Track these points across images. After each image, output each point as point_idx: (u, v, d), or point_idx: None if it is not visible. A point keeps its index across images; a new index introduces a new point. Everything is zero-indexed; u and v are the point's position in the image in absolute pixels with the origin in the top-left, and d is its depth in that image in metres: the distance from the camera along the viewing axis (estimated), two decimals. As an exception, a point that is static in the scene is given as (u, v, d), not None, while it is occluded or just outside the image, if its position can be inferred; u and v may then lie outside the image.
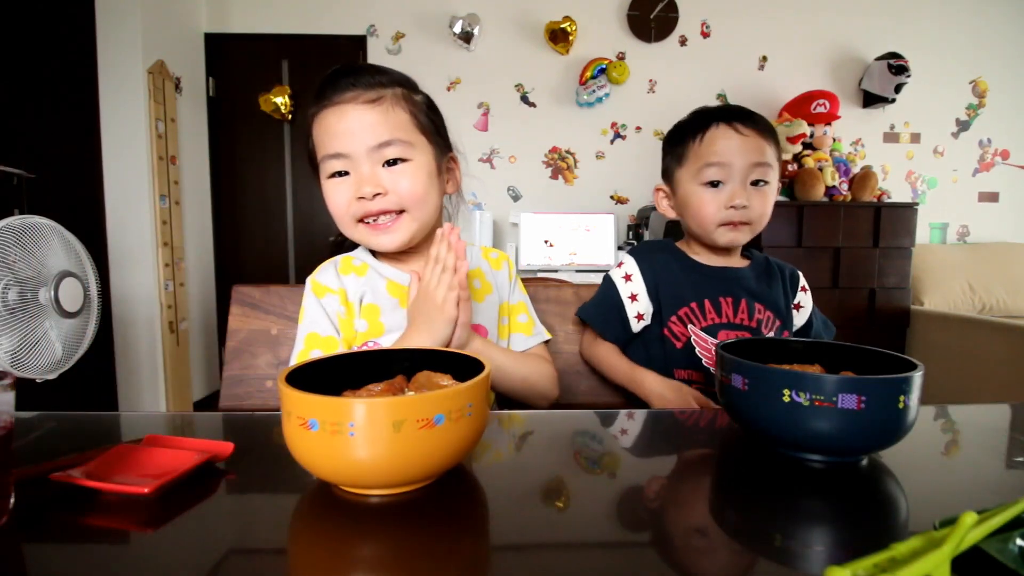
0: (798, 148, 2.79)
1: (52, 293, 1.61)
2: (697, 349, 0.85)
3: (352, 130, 0.69)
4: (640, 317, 0.89)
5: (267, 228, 3.17)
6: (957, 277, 2.89)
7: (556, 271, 2.80)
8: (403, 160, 0.71)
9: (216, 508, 0.38)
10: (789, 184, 2.74)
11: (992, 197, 3.28)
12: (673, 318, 0.87)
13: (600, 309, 0.91)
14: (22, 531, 0.34)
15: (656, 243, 0.97)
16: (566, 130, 3.17)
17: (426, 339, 0.66)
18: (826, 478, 0.42)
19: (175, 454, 0.42)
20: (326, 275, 0.76)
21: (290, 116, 3.05)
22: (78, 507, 0.37)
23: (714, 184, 0.85)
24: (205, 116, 3.06)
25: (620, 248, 2.96)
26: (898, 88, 3.00)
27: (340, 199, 0.71)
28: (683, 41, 3.15)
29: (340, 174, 0.71)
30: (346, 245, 0.83)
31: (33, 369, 1.58)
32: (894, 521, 0.38)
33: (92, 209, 2.52)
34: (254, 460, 0.46)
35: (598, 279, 0.95)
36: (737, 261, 0.93)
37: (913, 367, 0.45)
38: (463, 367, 0.46)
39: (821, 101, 2.85)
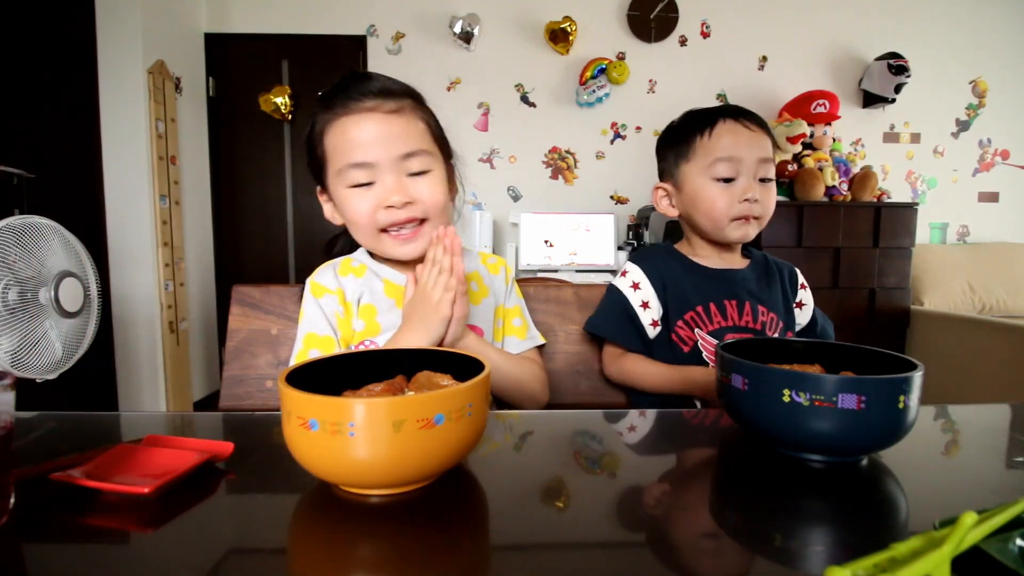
0: (798, 148, 2.79)
1: (52, 293, 1.62)
2: (704, 353, 0.85)
3: (377, 140, 0.69)
4: (655, 324, 0.88)
5: (267, 228, 3.17)
6: (957, 277, 2.89)
7: (556, 271, 2.80)
8: (425, 170, 0.72)
9: (216, 508, 0.38)
10: (789, 184, 2.74)
11: (992, 197, 3.28)
12: (680, 322, 0.87)
13: (615, 321, 0.88)
14: (22, 531, 0.34)
15: (656, 247, 0.97)
16: (566, 130, 3.17)
17: (421, 337, 0.66)
18: (826, 478, 0.42)
19: (175, 454, 0.42)
20: (324, 276, 0.77)
21: (290, 116, 3.05)
22: (78, 507, 0.36)
23: (726, 180, 0.84)
24: (205, 116, 3.06)
25: (620, 248, 2.96)
26: (898, 88, 3.00)
27: (364, 208, 0.71)
28: (683, 41, 3.15)
29: (363, 184, 0.71)
30: (337, 246, 0.83)
31: (33, 369, 1.58)
32: (894, 521, 0.38)
33: (92, 209, 2.52)
34: (254, 460, 0.46)
35: (598, 279, 0.95)
36: (738, 261, 0.92)
37: (913, 367, 0.45)
38: (463, 367, 0.46)
39: (821, 101, 2.85)
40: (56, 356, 1.65)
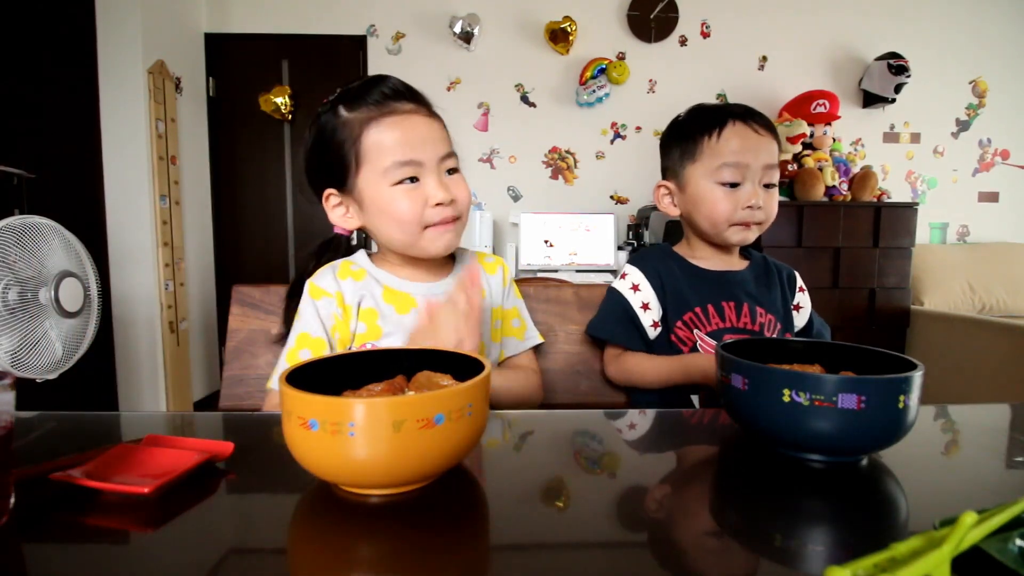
0: (798, 148, 2.79)
1: (52, 293, 1.62)
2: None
3: (424, 139, 0.72)
4: (656, 325, 0.88)
5: (267, 228, 3.17)
6: (957, 277, 2.89)
7: (556, 271, 2.80)
8: (456, 169, 0.76)
9: (216, 508, 0.38)
10: (789, 184, 2.74)
11: (992, 197, 3.28)
12: (679, 323, 0.87)
13: (617, 323, 0.88)
14: (22, 531, 0.34)
15: (654, 248, 0.96)
16: (566, 130, 3.17)
17: None
18: (826, 478, 0.42)
19: (175, 454, 0.42)
20: (324, 279, 0.77)
21: (290, 116, 3.05)
22: (78, 507, 0.36)
23: (732, 185, 0.83)
24: (205, 116, 3.06)
25: (620, 248, 2.96)
26: (898, 88, 3.00)
27: (414, 205, 0.72)
28: (683, 41, 3.15)
29: (412, 180, 0.72)
30: (332, 247, 0.83)
31: (33, 369, 1.58)
32: (894, 521, 0.38)
33: (92, 209, 2.52)
34: (254, 460, 0.46)
35: (598, 279, 0.95)
36: (737, 263, 0.92)
37: (913, 367, 0.45)
38: (463, 367, 0.46)
39: (821, 101, 2.86)
40: (56, 356, 1.65)
